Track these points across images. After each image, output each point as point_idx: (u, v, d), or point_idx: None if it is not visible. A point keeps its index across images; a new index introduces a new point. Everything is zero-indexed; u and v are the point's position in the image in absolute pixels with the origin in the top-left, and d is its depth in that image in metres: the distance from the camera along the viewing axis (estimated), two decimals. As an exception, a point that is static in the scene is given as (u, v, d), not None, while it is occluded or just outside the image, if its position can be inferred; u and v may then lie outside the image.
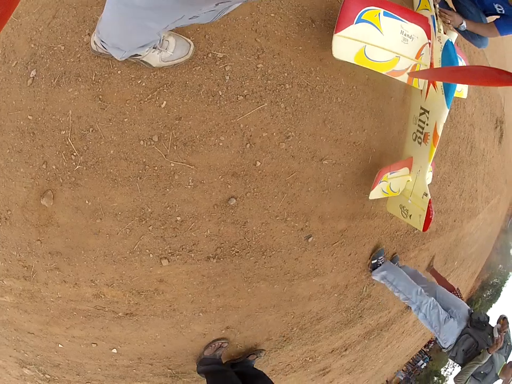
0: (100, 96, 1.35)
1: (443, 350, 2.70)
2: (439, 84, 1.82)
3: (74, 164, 1.41)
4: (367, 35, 1.59)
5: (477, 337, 2.53)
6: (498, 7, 2.13)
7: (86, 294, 1.72)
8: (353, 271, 2.54)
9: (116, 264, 1.67)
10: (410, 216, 2.13)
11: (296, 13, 1.65)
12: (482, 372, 2.52)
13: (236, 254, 1.85)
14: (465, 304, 2.84)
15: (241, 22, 1.50)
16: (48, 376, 2.12)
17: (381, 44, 1.62)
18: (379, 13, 1.61)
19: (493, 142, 4.76)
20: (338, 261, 2.34)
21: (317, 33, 1.69)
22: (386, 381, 6.28)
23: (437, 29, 1.81)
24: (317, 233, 2.08)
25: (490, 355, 2.44)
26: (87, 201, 1.49)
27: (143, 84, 1.37)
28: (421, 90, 1.88)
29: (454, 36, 1.86)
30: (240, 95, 1.54)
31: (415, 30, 1.73)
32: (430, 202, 1.95)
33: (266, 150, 1.69)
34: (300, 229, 2.00)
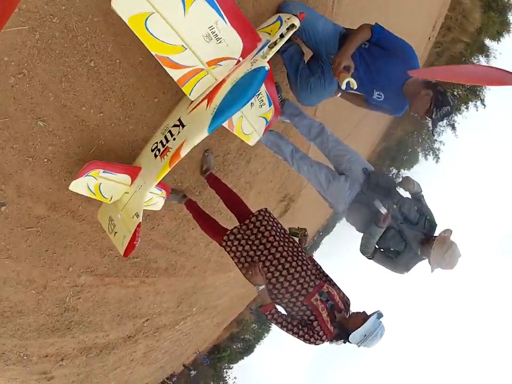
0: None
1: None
2: (215, 103, 1.54)
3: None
4: (166, 4, 1.25)
5: (373, 205, 2.17)
6: (378, 95, 2.11)
7: None
8: (52, 273, 2.14)
9: None
10: (115, 234, 1.81)
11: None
12: (393, 249, 2.20)
13: None
14: (361, 160, 2.38)
15: None
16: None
17: (173, 21, 1.29)
18: None
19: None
20: (34, 252, 1.92)
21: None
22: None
23: (261, 53, 1.57)
24: (12, 205, 1.64)
25: (382, 228, 2.12)
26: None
27: None
28: (192, 101, 1.61)
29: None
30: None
31: (231, 37, 1.45)
32: (138, 225, 1.65)
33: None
34: (-5, 189, 1.51)
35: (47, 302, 2.27)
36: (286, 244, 2.05)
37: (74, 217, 1.94)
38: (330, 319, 1.91)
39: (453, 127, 25.80)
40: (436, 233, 2.22)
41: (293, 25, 1.65)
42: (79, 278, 2.35)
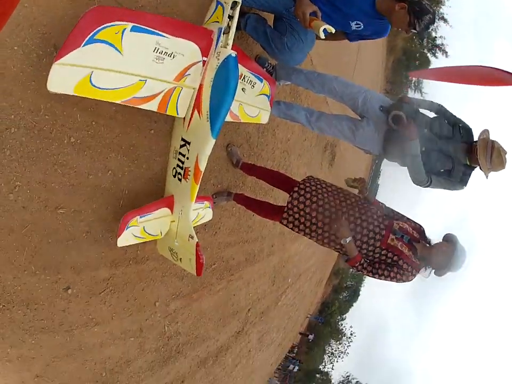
0: None
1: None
2: (205, 109, 1.54)
3: None
4: (98, 58, 1.21)
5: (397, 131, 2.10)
6: (357, 25, 2.04)
7: None
8: (142, 315, 2.30)
9: None
10: (180, 260, 1.89)
11: (41, 41, 1.36)
12: (443, 170, 2.16)
13: (3, 307, 1.49)
14: (375, 96, 2.27)
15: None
16: None
17: (116, 66, 1.26)
18: (124, 29, 1.24)
19: (320, 166, 5.24)
20: (116, 308, 2.07)
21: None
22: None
23: (220, 43, 1.53)
24: (76, 284, 1.78)
25: (415, 139, 1.99)
26: None
27: None
28: (184, 118, 1.62)
29: None
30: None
31: (182, 46, 1.42)
32: (197, 245, 1.72)
33: (-4, 202, 1.33)
34: (54, 281, 1.71)
35: (149, 341, 2.41)
36: (343, 200, 2.09)
37: (137, 262, 2.05)
38: (413, 253, 1.95)
39: (445, 20, 26.84)
40: (475, 138, 2.12)
41: (235, 2, 1.56)
42: (168, 307, 2.48)
